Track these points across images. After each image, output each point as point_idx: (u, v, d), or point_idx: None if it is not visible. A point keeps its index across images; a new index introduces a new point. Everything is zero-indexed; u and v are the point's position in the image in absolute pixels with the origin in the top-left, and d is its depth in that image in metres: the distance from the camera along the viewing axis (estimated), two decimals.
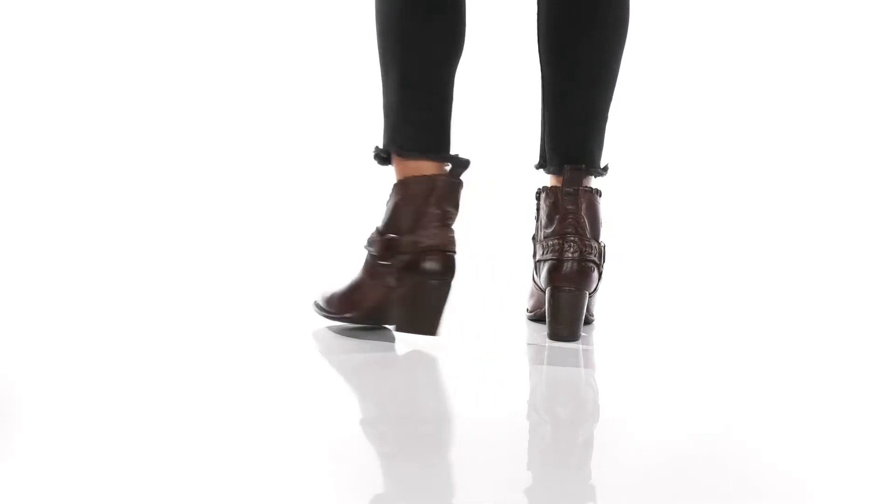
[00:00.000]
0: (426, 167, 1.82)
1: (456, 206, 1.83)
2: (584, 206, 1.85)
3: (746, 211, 3.21)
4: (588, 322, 1.95)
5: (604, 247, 1.88)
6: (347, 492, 1.21)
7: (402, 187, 1.82)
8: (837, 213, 3.18)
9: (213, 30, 3.56)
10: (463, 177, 1.85)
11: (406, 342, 1.86)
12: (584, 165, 1.87)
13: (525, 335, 1.93)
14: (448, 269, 1.80)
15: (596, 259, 1.84)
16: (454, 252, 1.81)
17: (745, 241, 2.97)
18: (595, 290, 1.89)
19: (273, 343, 1.90)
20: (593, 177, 1.91)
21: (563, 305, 1.82)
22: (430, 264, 1.80)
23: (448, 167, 1.83)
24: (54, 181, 3.31)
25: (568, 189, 1.85)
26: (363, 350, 1.84)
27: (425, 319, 1.80)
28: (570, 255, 1.83)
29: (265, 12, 3.54)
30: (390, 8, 1.82)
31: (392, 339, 1.87)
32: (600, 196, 1.89)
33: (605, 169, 1.93)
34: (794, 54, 3.50)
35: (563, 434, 1.44)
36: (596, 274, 1.85)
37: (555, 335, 1.83)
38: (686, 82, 3.51)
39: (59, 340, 1.88)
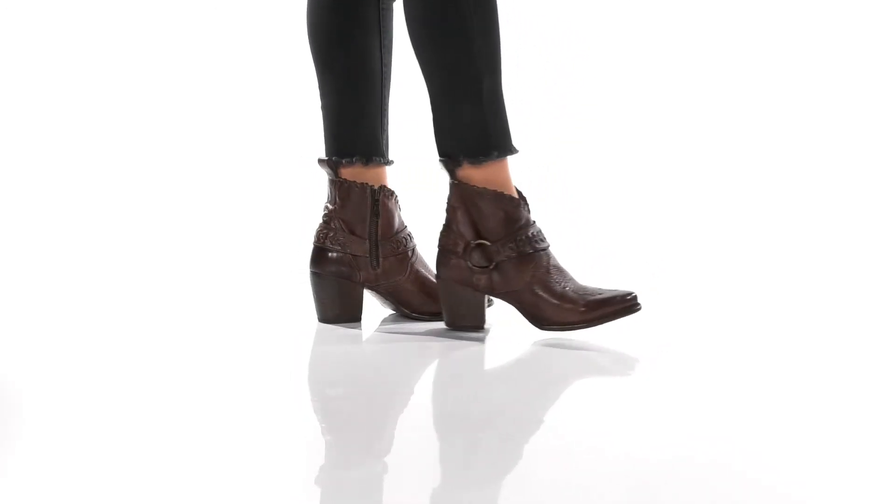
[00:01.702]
0: None
1: None
2: (453, 199, 1.85)
3: (749, 212, 3.20)
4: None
5: (491, 246, 1.84)
6: (335, 490, 1.21)
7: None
8: (839, 213, 3.18)
9: (213, 30, 3.55)
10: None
11: (404, 339, 1.87)
12: (443, 158, 1.87)
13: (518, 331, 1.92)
14: None
15: (458, 251, 1.84)
16: None
17: (748, 242, 2.96)
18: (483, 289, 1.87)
19: (271, 339, 1.90)
20: (471, 165, 1.85)
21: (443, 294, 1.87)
22: None
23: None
24: (53, 181, 3.31)
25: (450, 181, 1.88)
26: (357, 344, 1.86)
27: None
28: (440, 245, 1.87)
29: (265, 12, 3.54)
30: None
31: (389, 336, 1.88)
32: (488, 194, 1.84)
33: (474, 158, 1.86)
34: (794, 52, 3.50)
35: (554, 435, 1.44)
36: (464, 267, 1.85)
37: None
38: (688, 81, 3.50)
39: (59, 340, 1.88)
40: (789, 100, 3.49)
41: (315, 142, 3.22)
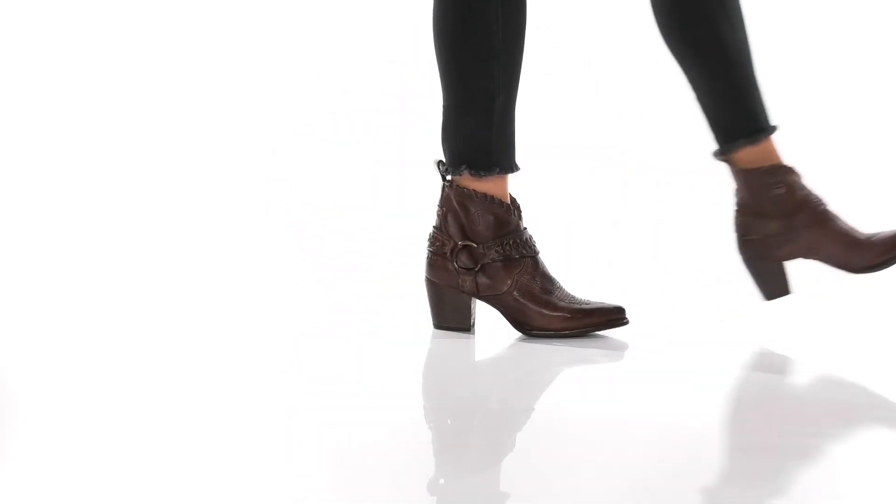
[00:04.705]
0: None
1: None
2: (443, 201, 1.87)
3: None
4: None
5: (477, 248, 1.85)
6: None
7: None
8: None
9: (214, 30, 3.55)
10: None
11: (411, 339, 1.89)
12: (440, 162, 1.88)
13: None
14: None
15: (445, 253, 1.85)
16: None
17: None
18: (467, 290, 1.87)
19: (262, 338, 1.91)
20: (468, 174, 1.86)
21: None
22: None
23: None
24: (54, 181, 3.30)
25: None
26: (341, 341, 1.88)
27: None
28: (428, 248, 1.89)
29: (265, 12, 3.54)
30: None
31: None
32: (478, 197, 1.84)
33: (447, 169, 1.87)
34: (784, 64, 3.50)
35: (544, 423, 1.45)
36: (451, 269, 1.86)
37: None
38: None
39: (60, 341, 1.88)
40: (787, 100, 3.49)
41: (316, 143, 3.18)
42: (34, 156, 3.38)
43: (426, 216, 1.95)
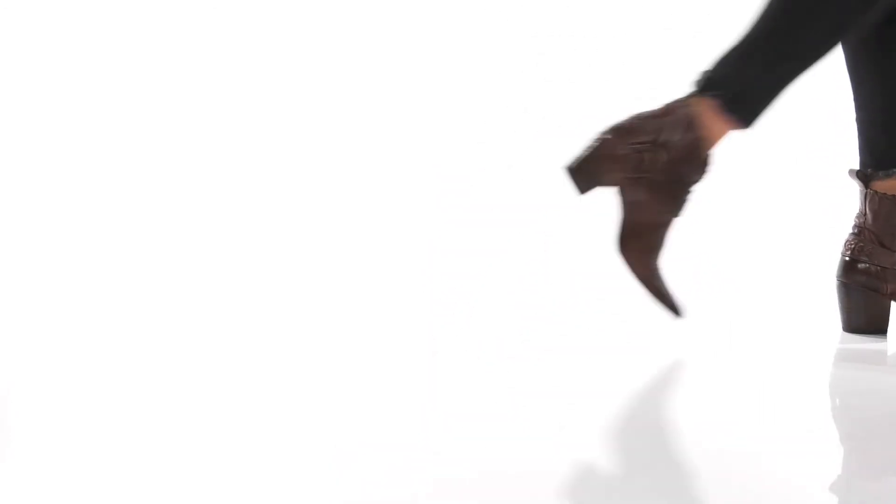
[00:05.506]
0: None
1: None
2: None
3: (750, 211, 3.20)
4: None
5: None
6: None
7: None
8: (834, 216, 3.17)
9: (214, 30, 3.56)
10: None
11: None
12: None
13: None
14: None
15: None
16: None
17: (748, 242, 2.97)
18: None
19: (274, 349, 1.92)
20: None
21: None
22: None
23: None
24: (55, 182, 3.31)
25: None
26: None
27: None
28: None
29: (265, 12, 3.54)
30: None
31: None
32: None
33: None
34: None
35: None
36: None
37: None
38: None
39: (60, 342, 1.88)
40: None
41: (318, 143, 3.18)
42: (34, 157, 3.39)
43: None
